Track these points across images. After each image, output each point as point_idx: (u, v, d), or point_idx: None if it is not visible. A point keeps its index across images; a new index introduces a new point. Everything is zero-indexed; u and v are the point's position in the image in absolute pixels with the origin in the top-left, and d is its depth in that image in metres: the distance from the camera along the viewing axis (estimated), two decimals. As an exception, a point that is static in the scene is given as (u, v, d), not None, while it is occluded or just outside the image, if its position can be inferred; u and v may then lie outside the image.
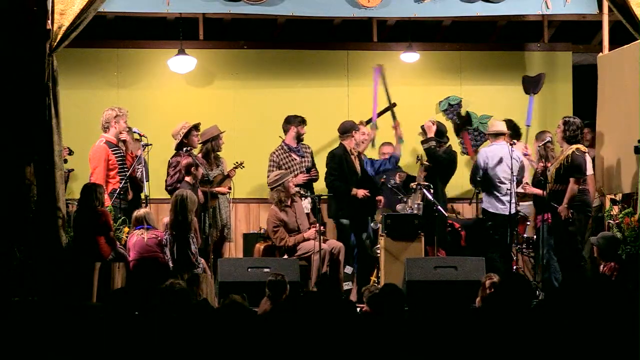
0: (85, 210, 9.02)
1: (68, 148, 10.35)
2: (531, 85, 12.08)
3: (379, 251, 10.40)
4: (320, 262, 10.08)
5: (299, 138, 11.16)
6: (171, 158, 10.55)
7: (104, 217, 9.02)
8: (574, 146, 9.91)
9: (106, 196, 9.51)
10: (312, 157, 11.27)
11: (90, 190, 9.10)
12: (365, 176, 11.01)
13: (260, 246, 10.62)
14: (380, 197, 11.13)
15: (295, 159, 11.07)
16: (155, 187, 10.48)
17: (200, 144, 10.83)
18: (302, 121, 11.16)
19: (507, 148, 10.44)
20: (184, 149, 10.41)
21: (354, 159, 10.90)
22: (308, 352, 5.36)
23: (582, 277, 8.72)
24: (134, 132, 10.24)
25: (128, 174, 9.96)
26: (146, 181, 10.02)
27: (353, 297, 10.38)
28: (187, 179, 10.28)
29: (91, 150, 10.01)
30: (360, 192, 10.73)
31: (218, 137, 10.82)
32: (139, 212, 9.59)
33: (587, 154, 10.07)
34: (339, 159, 10.86)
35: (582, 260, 9.91)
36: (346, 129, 10.95)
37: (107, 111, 10.11)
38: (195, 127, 10.61)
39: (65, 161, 9.97)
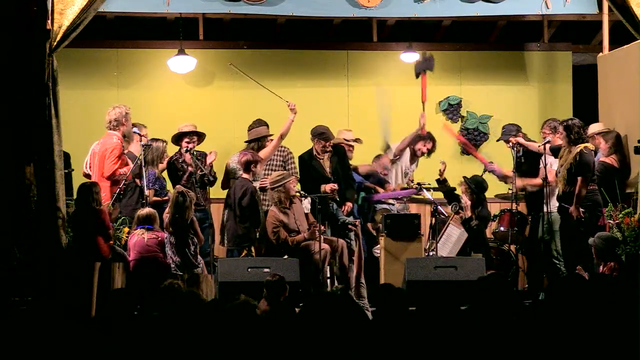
0: (82, 210, 9.02)
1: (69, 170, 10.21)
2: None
3: (378, 251, 10.39)
4: (321, 262, 10.06)
5: None
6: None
7: (102, 215, 9.01)
8: (581, 145, 9.82)
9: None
10: (289, 160, 10.97)
11: (87, 190, 9.09)
12: (341, 178, 10.77)
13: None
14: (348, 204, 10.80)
15: None
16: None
17: (245, 142, 10.74)
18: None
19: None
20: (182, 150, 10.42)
21: (323, 162, 10.83)
22: (308, 351, 5.36)
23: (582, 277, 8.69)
24: (134, 132, 10.23)
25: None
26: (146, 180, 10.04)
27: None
28: (246, 175, 10.29)
29: (104, 146, 9.88)
30: (328, 187, 10.61)
31: (264, 139, 10.68)
32: (142, 212, 9.58)
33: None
34: (303, 164, 10.84)
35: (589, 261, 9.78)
36: (314, 134, 10.82)
37: (116, 109, 9.95)
38: (187, 133, 10.43)
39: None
